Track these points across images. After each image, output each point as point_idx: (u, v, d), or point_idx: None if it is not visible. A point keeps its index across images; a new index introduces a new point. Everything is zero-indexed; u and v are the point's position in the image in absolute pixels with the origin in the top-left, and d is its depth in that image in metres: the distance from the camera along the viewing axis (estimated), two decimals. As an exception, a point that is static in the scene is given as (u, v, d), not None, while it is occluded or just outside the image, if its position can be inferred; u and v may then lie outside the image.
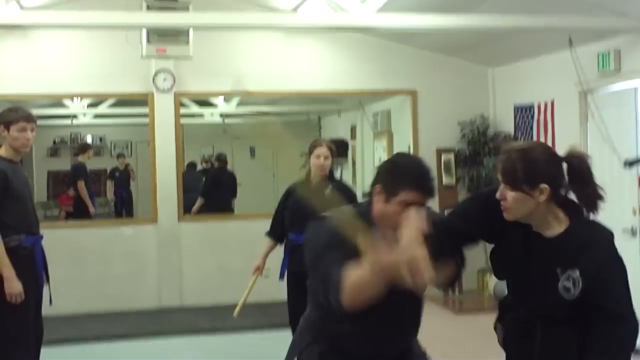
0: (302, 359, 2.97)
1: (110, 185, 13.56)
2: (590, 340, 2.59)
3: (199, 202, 11.00)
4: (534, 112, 8.05)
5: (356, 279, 2.45)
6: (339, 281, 2.49)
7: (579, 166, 2.68)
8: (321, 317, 2.90)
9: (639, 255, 6.52)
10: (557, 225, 2.68)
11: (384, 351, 2.86)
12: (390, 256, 2.35)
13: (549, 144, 7.72)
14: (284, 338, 5.74)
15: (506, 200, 2.66)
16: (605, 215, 7.50)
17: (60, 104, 11.38)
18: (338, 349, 2.86)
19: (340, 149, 5.56)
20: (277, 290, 5.78)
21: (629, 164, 6.28)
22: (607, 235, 2.70)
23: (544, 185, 2.61)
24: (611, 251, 2.66)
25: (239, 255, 8.16)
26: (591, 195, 2.68)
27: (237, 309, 5.71)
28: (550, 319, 2.71)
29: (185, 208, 8.88)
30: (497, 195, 2.69)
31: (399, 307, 2.75)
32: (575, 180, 2.69)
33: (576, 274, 2.59)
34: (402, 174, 2.73)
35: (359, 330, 2.78)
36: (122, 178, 13.44)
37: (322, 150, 5.18)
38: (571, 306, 2.62)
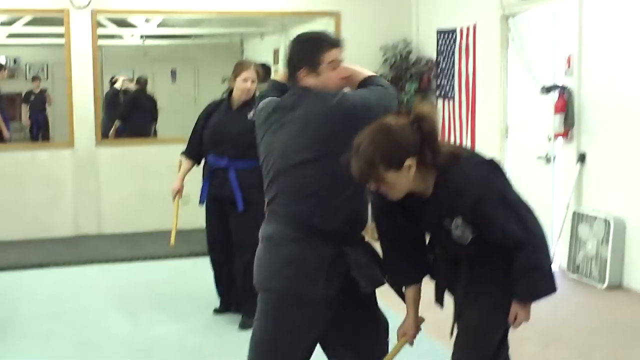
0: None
1: (25, 109, 13.11)
2: (513, 267, 2.73)
3: (116, 124, 10.72)
4: (456, 37, 8.04)
5: None
6: None
7: (427, 128, 2.66)
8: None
9: (552, 181, 6.68)
10: (426, 185, 2.72)
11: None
12: None
13: (470, 69, 7.77)
14: (202, 265, 5.76)
15: (384, 188, 2.67)
16: (522, 142, 7.69)
17: (-31, 23, 10.85)
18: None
19: (263, 73, 5.38)
20: (195, 216, 5.70)
21: (546, 90, 6.37)
22: (474, 178, 2.71)
23: (408, 162, 2.62)
24: (482, 192, 2.68)
25: (159, 181, 8.02)
26: (435, 157, 2.67)
27: (172, 237, 5.57)
28: (469, 255, 2.83)
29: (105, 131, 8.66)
30: (372, 188, 2.71)
31: None
32: (424, 142, 2.66)
33: (460, 220, 2.70)
34: (313, 44, 2.99)
35: None
36: (38, 102, 13.01)
37: (250, 74, 5.03)
38: (475, 243, 2.73)
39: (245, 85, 5.01)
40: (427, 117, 2.67)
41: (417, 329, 2.99)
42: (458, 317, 2.94)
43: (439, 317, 3.11)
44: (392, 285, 3.02)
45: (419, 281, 2.96)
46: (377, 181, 2.64)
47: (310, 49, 2.97)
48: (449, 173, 2.68)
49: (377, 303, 3.06)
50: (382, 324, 3.08)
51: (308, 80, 2.94)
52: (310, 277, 2.82)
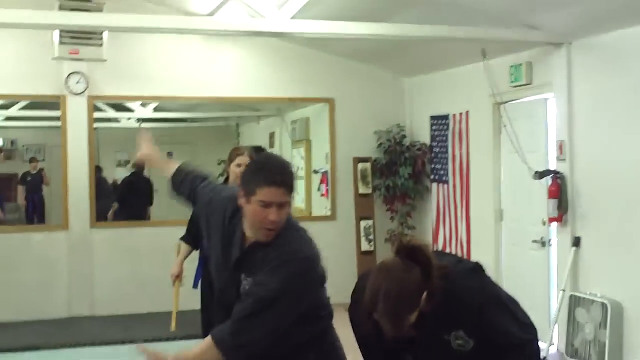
0: None
1: (21, 190, 13.13)
2: None
3: (113, 207, 10.76)
4: (449, 123, 8.17)
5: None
6: None
7: (423, 259, 2.59)
8: None
9: (548, 265, 6.69)
10: (426, 304, 2.65)
11: None
12: None
13: (464, 154, 7.87)
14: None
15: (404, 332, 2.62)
16: (516, 226, 7.71)
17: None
18: None
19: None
20: (188, 298, 5.67)
21: (539, 175, 6.44)
22: (471, 290, 2.71)
23: (422, 297, 2.58)
24: (481, 302, 2.70)
25: (153, 263, 8.02)
26: (434, 281, 2.63)
27: (173, 321, 5.60)
28: None
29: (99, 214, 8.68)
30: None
31: None
32: (424, 273, 2.62)
33: (461, 333, 2.71)
34: (255, 172, 2.74)
35: None
36: (35, 182, 13.03)
37: (243, 159, 5.10)
38: (474, 353, 2.73)
39: (239, 170, 5.08)
40: (418, 250, 2.60)
41: None
42: None
43: None
44: None
45: None
46: (401, 329, 2.58)
47: (251, 176, 2.74)
48: (444, 291, 2.65)
49: None
50: None
51: (242, 200, 2.75)
52: None
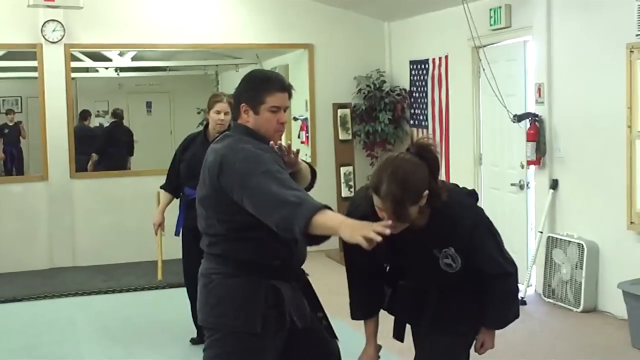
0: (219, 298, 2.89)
1: (-1, 143, 13.03)
2: (485, 295, 2.89)
3: (92, 158, 10.70)
4: (428, 67, 8.15)
5: (328, 222, 2.50)
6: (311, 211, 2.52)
7: (432, 159, 2.68)
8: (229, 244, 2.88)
9: (526, 207, 6.75)
10: (422, 215, 2.72)
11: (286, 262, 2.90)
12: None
13: (443, 98, 7.87)
14: (179, 295, 5.74)
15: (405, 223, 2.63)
16: (496, 170, 7.76)
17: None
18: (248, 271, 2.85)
19: (237, 103, 5.48)
20: (170, 246, 5.70)
21: (518, 118, 6.47)
22: (468, 207, 2.82)
23: (424, 193, 2.63)
24: (475, 220, 2.81)
25: (133, 213, 8.03)
26: (437, 186, 2.71)
27: (159, 271, 5.66)
28: (442, 286, 2.90)
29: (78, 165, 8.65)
30: (392, 227, 2.49)
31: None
32: (430, 173, 2.69)
33: (451, 250, 2.77)
34: (261, 82, 2.92)
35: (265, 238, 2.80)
36: (12, 135, 12.93)
37: (222, 106, 5.08)
38: (457, 275, 2.81)
39: (218, 117, 5.07)
40: (429, 148, 2.69)
41: (377, 358, 3.06)
42: (422, 343, 3.00)
43: (395, 344, 3.16)
44: (354, 317, 3.05)
45: (378, 313, 3.04)
46: (401, 217, 2.58)
47: (255, 87, 2.92)
48: (444, 206, 2.71)
49: (327, 327, 3.04)
50: (331, 348, 3.06)
51: (246, 117, 2.93)
52: (244, 312, 2.82)
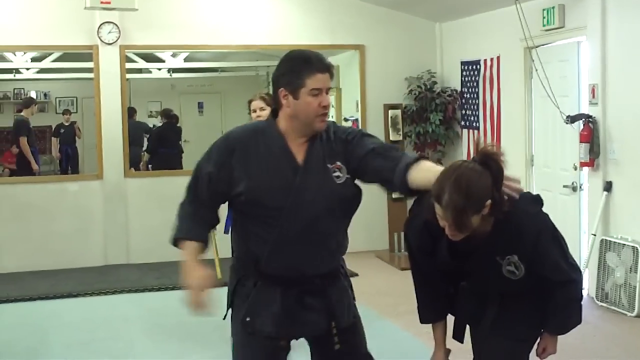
0: (236, 298, 3.00)
1: (55, 142, 13.29)
2: (548, 303, 2.85)
3: (144, 157, 10.87)
4: (480, 68, 8.10)
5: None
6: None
7: (496, 168, 2.61)
8: (244, 250, 2.95)
9: (579, 210, 6.67)
10: (485, 223, 2.68)
11: (305, 272, 2.82)
12: None
13: (495, 99, 7.82)
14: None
15: (455, 229, 2.60)
16: (548, 171, 7.67)
17: (1, 58, 11.07)
18: (262, 276, 2.87)
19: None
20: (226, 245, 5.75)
21: (571, 119, 6.39)
22: (532, 216, 2.75)
23: (487, 203, 2.59)
24: (540, 228, 2.74)
25: (186, 212, 8.12)
26: (502, 196, 2.65)
27: (217, 271, 5.72)
28: (505, 292, 2.88)
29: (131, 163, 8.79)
30: (452, 235, 2.59)
31: (315, 225, 2.75)
32: (494, 182, 2.63)
33: (515, 258, 2.73)
34: (301, 64, 2.72)
35: (279, 251, 2.80)
36: (68, 135, 13.18)
37: (256, 103, 5.14)
38: (520, 282, 2.78)
39: (255, 114, 5.13)
40: (494, 157, 2.61)
41: None
42: (481, 345, 2.98)
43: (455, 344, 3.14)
44: (423, 321, 3.04)
45: (445, 317, 3.03)
46: (462, 227, 2.57)
47: (294, 68, 2.72)
48: (507, 214, 2.66)
49: (360, 342, 2.98)
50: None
51: (286, 103, 2.74)
52: (263, 316, 2.85)
